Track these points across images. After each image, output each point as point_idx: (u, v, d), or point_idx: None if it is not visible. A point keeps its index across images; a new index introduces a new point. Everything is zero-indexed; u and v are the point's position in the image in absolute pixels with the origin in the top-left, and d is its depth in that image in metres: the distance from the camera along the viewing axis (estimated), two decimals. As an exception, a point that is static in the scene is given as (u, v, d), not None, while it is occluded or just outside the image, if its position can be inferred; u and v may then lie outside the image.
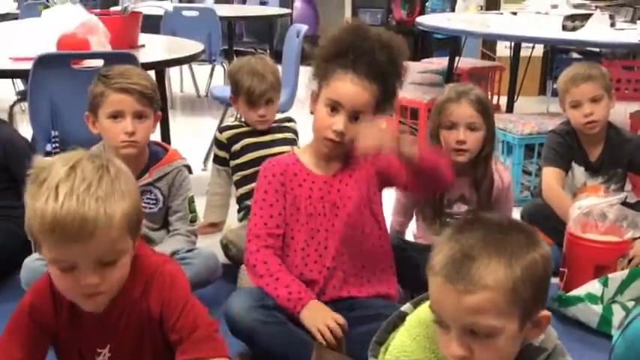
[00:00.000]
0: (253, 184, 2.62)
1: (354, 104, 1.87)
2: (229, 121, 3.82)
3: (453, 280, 1.12)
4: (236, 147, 2.72)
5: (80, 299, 1.34)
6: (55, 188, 1.24)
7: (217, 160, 2.81)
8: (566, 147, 2.76)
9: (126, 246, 1.33)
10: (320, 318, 1.80)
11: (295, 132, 2.83)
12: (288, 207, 1.95)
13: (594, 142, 2.78)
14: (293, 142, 2.77)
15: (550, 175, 2.73)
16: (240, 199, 2.76)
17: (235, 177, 2.76)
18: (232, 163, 2.75)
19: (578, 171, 2.78)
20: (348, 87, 1.87)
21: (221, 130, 2.80)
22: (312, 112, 1.97)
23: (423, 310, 1.33)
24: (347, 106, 1.87)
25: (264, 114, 2.69)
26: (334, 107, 1.88)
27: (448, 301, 1.14)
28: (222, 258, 2.46)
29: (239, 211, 2.77)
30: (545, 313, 1.20)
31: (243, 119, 2.81)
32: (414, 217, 2.49)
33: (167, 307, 1.42)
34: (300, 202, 1.95)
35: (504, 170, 2.49)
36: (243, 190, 2.73)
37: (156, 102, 2.23)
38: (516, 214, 2.81)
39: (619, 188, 2.78)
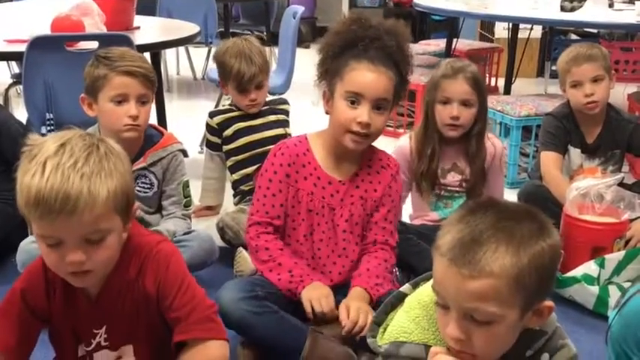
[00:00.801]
0: (247, 170, 2.66)
1: (376, 92, 1.81)
2: (226, 104, 3.82)
3: (458, 264, 1.11)
4: (227, 132, 2.71)
5: (69, 277, 1.33)
6: (42, 164, 1.25)
7: (210, 144, 2.80)
8: (564, 130, 2.76)
9: (112, 225, 1.31)
10: (315, 294, 1.81)
11: (287, 113, 2.81)
12: (290, 199, 1.92)
13: (593, 124, 2.77)
14: (285, 123, 2.76)
15: (548, 159, 2.74)
16: (235, 184, 2.76)
17: (229, 162, 2.75)
18: (225, 148, 2.74)
19: (574, 153, 2.78)
20: (366, 75, 1.81)
21: (211, 115, 2.77)
22: (327, 113, 1.91)
23: (422, 292, 1.32)
24: (368, 95, 1.81)
25: (254, 98, 2.67)
26: (355, 99, 1.82)
27: (451, 284, 1.13)
28: (218, 241, 2.46)
29: (234, 196, 2.76)
30: (548, 303, 1.19)
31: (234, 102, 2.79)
32: (409, 196, 2.48)
33: (163, 286, 1.42)
34: (301, 197, 1.92)
35: (495, 138, 2.55)
36: (237, 175, 2.72)
37: (155, 85, 2.23)
38: (513, 195, 2.81)
39: (616, 170, 2.78)
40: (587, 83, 2.66)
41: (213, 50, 5.58)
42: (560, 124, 2.76)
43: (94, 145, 1.30)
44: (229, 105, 2.79)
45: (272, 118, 2.73)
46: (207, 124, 2.77)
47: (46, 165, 1.24)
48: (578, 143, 2.78)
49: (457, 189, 2.39)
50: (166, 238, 1.54)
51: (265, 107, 2.73)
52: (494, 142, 2.45)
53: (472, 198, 2.31)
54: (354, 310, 1.78)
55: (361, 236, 1.96)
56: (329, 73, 1.89)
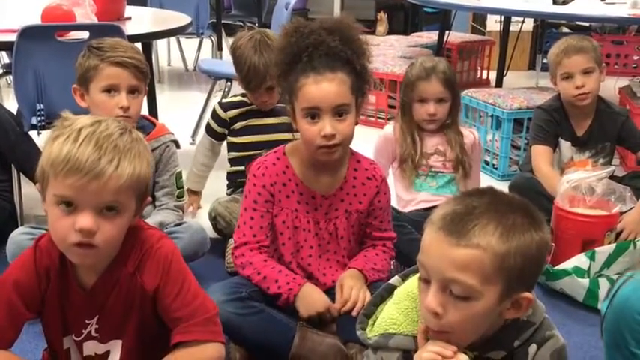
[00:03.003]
0: (244, 167, 2.58)
1: (330, 100, 1.76)
2: (217, 95, 3.80)
3: (446, 232, 1.14)
4: (236, 126, 2.66)
5: (72, 249, 1.32)
6: (77, 130, 1.29)
7: (212, 133, 2.73)
8: (554, 123, 2.78)
9: (128, 204, 1.33)
10: (311, 305, 1.80)
11: None
12: (274, 218, 1.90)
13: (583, 116, 2.78)
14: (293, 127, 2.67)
15: (539, 153, 2.76)
16: (231, 176, 2.73)
17: (229, 155, 2.71)
18: (228, 139, 2.70)
19: (564, 146, 2.80)
20: (315, 88, 1.76)
21: (224, 107, 2.68)
22: (296, 131, 1.87)
23: (412, 284, 1.33)
24: (324, 106, 1.76)
25: (266, 99, 2.60)
26: (313, 114, 1.78)
27: (437, 252, 1.15)
28: (210, 232, 2.45)
29: (228, 187, 2.74)
30: (528, 295, 1.20)
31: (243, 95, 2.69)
32: (394, 184, 2.53)
33: (164, 285, 1.41)
34: (286, 215, 1.90)
35: (471, 128, 2.82)
36: (234, 169, 2.69)
37: (147, 77, 2.21)
38: (504, 188, 2.81)
39: (606, 162, 2.80)
40: (578, 75, 2.68)
41: (204, 41, 5.64)
42: (551, 118, 2.78)
43: (127, 129, 1.35)
44: (241, 96, 2.70)
45: (285, 119, 2.62)
46: (217, 115, 2.69)
47: (81, 132, 1.28)
48: (568, 136, 2.79)
49: (441, 170, 2.52)
50: (166, 235, 1.53)
51: (279, 105, 2.57)
52: (472, 131, 2.68)
53: (460, 174, 2.50)
54: (347, 287, 1.80)
55: (348, 248, 1.95)
56: (285, 92, 1.86)
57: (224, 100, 2.75)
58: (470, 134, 2.61)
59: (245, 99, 2.67)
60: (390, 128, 2.60)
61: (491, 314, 1.18)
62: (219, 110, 2.69)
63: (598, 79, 2.72)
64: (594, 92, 2.72)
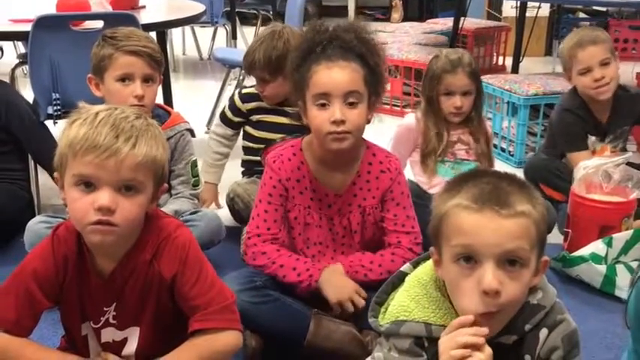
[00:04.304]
0: (258, 158, 2.56)
1: (341, 86, 1.75)
2: (232, 83, 3.81)
3: (492, 208, 1.16)
4: (253, 118, 2.64)
5: (92, 229, 1.32)
6: (94, 114, 1.32)
7: (228, 122, 2.70)
8: (581, 123, 2.70)
9: (146, 184, 1.35)
10: (344, 291, 1.79)
11: None
12: (287, 213, 1.90)
13: (604, 105, 2.72)
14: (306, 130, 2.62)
15: (580, 159, 2.59)
16: (245, 164, 2.72)
17: (244, 143, 2.69)
18: (245, 128, 2.68)
19: (591, 140, 2.72)
20: (327, 73, 1.75)
21: (243, 98, 2.65)
22: (307, 126, 1.86)
23: (422, 271, 1.34)
24: (335, 92, 1.75)
25: (261, 90, 2.57)
26: (324, 102, 1.76)
27: (489, 228, 1.16)
28: (225, 220, 2.46)
29: (244, 174, 2.74)
30: (545, 257, 1.25)
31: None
32: (411, 170, 2.55)
33: (182, 273, 1.42)
34: (298, 211, 1.89)
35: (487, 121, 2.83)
36: (249, 158, 2.68)
37: (162, 66, 2.22)
38: (520, 174, 2.81)
39: (623, 147, 2.77)
40: (596, 68, 2.61)
41: (219, 30, 5.64)
42: (578, 118, 2.71)
43: (142, 114, 1.38)
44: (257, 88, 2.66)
45: (296, 121, 2.48)
46: (234, 105, 2.66)
47: (98, 114, 1.32)
48: (593, 130, 2.72)
49: (466, 158, 2.51)
50: (183, 223, 1.54)
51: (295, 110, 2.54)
52: (489, 124, 2.70)
53: (484, 165, 2.50)
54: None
55: (362, 243, 1.93)
56: (297, 86, 1.84)
57: (244, 91, 2.71)
58: (487, 126, 2.61)
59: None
60: (411, 117, 2.57)
61: (529, 284, 1.22)
62: (237, 101, 2.67)
63: (616, 68, 2.64)
64: (614, 82, 2.64)
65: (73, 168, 1.31)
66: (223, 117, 2.72)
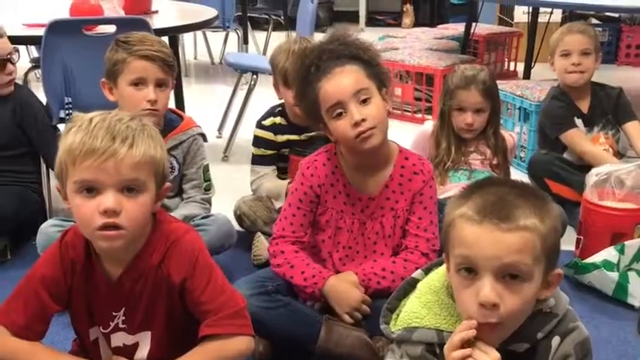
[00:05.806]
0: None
1: (347, 89, 1.76)
2: (244, 88, 3.80)
3: (494, 220, 1.15)
4: (284, 151, 2.57)
5: (99, 234, 1.33)
6: (89, 120, 1.34)
7: (262, 160, 2.57)
8: (566, 106, 2.86)
9: (148, 184, 1.35)
10: (346, 302, 1.80)
11: None
12: (318, 216, 1.91)
13: (583, 96, 2.87)
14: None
15: (575, 137, 2.80)
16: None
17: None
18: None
19: (578, 123, 2.85)
20: (330, 84, 1.77)
21: (275, 131, 2.55)
22: (334, 141, 1.87)
23: (434, 277, 1.33)
24: (344, 97, 1.75)
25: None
26: (340, 111, 1.77)
27: (489, 241, 1.15)
28: (236, 225, 2.46)
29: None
30: (558, 270, 1.23)
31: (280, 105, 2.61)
32: None
33: (191, 278, 1.42)
34: (330, 215, 1.90)
35: (509, 131, 2.85)
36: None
37: (175, 70, 2.22)
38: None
39: (615, 133, 2.86)
40: (576, 54, 2.78)
41: (230, 35, 5.65)
42: (563, 103, 2.86)
43: (137, 117, 1.39)
44: (279, 109, 2.59)
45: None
46: (266, 139, 2.56)
47: (93, 120, 1.33)
48: (578, 115, 2.87)
49: (480, 167, 2.51)
50: (192, 228, 1.54)
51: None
52: (511, 134, 2.68)
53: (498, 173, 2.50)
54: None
55: (394, 247, 1.92)
56: (311, 111, 1.84)
57: (266, 123, 2.58)
58: (510, 137, 2.60)
59: (280, 109, 2.59)
60: (429, 125, 2.60)
61: (535, 297, 1.20)
62: (269, 135, 2.56)
63: (594, 62, 2.80)
64: (589, 73, 2.81)
65: (74, 175, 1.32)
66: (258, 157, 2.59)
